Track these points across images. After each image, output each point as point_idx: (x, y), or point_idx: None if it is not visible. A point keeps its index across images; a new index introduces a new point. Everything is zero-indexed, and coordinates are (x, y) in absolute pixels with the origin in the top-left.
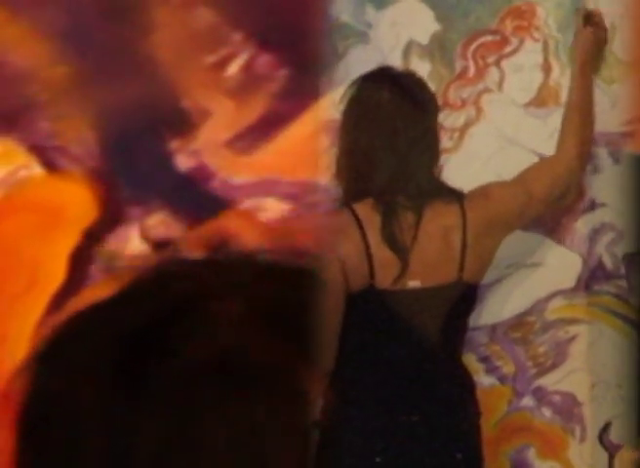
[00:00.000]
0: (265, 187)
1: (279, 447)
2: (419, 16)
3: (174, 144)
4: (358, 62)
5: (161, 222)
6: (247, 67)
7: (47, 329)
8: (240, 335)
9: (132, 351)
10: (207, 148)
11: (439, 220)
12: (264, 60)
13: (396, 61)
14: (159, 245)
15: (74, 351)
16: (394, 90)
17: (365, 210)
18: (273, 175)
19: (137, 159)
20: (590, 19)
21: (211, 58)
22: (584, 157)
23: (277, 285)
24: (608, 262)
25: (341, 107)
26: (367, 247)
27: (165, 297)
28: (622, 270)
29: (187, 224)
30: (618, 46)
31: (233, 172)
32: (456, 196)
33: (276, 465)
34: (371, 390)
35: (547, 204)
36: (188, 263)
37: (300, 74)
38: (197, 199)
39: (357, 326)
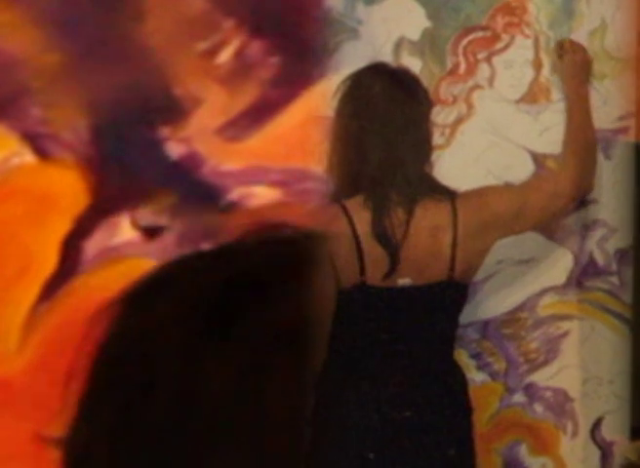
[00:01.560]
0: (256, 175)
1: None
2: (409, 12)
3: (165, 131)
4: (349, 58)
5: (151, 211)
6: (238, 55)
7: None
8: (300, 311)
9: (219, 303)
10: (198, 135)
11: (430, 218)
12: (256, 48)
13: (387, 58)
14: (149, 232)
15: (162, 296)
16: (387, 85)
17: (356, 206)
18: (264, 162)
19: (128, 146)
20: (563, 48)
21: (202, 46)
22: (590, 173)
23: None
24: (599, 258)
25: (334, 102)
26: (358, 243)
27: (262, 258)
28: (614, 266)
29: (178, 211)
30: (609, 42)
31: (224, 159)
32: (448, 195)
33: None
34: (362, 387)
35: (543, 216)
36: (258, 241)
37: (291, 62)
38: (188, 186)
39: (348, 322)
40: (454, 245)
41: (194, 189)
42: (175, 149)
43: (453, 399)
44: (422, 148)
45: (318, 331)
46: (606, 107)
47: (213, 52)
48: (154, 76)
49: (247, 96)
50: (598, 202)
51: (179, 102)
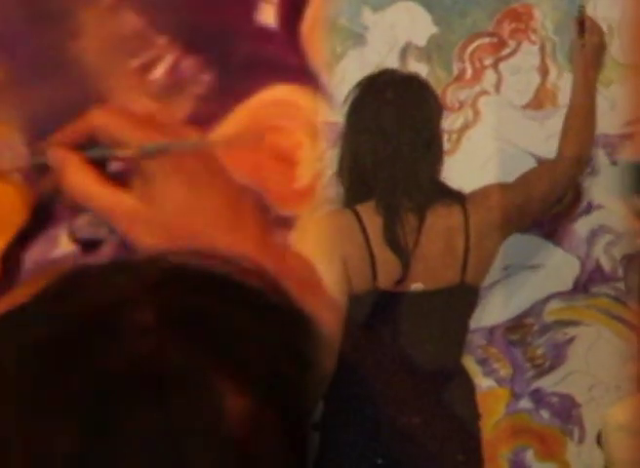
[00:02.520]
0: None
1: (199, 452)
2: (416, 18)
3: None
4: (355, 65)
5: (89, 223)
6: (172, 71)
7: None
8: (154, 344)
9: (43, 362)
10: None
11: (442, 223)
12: (189, 64)
13: (393, 64)
14: (87, 245)
15: None
16: (398, 91)
17: (368, 211)
18: None
19: None
20: (584, 27)
21: (136, 62)
22: (584, 161)
23: (186, 288)
24: (606, 264)
25: (345, 108)
26: (369, 248)
27: (76, 307)
28: (620, 272)
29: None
30: (616, 49)
31: None
32: (458, 198)
33: (199, 465)
34: (372, 392)
35: (545, 207)
36: (99, 269)
37: (223, 77)
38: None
39: (360, 327)
40: (466, 248)
41: None
42: (114, 164)
43: (461, 405)
44: (434, 154)
45: (328, 337)
46: (612, 113)
47: (146, 68)
48: (89, 91)
49: (180, 111)
50: (604, 208)
51: None
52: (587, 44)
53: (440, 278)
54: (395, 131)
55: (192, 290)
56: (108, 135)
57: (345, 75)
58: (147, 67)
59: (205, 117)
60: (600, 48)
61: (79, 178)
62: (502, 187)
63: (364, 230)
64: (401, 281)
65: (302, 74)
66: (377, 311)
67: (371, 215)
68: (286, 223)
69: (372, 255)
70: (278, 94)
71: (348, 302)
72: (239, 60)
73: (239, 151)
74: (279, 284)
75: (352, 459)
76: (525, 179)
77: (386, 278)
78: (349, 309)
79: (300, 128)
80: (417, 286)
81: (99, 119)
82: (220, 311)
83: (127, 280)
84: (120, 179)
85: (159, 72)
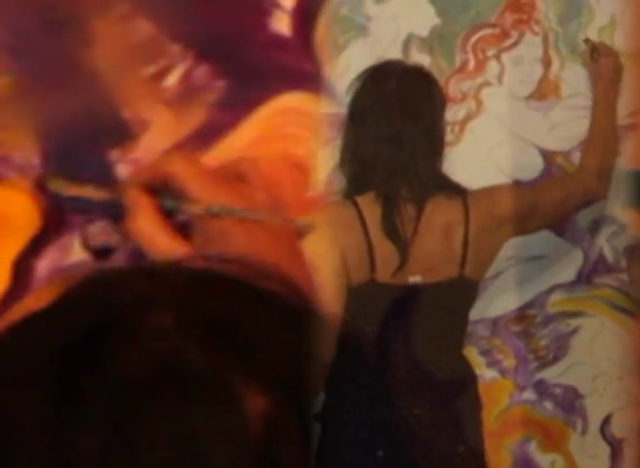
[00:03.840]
0: None
1: (217, 453)
2: (418, 9)
3: (114, 154)
4: (358, 56)
5: (102, 231)
6: (185, 78)
7: None
8: (173, 346)
9: (66, 364)
10: (146, 158)
11: (441, 215)
12: (202, 71)
13: (396, 55)
14: (100, 253)
15: (3, 370)
16: (400, 82)
17: (367, 202)
18: None
19: (78, 169)
20: (597, 52)
21: (149, 70)
22: (605, 176)
23: (208, 293)
24: (609, 255)
25: (348, 98)
26: (368, 239)
27: (96, 310)
28: (623, 263)
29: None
30: (619, 39)
31: None
32: (459, 192)
33: (217, 465)
34: (372, 383)
35: (558, 215)
36: (120, 273)
37: (237, 85)
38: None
39: (358, 319)
40: (465, 243)
41: None
42: (124, 171)
43: (462, 396)
44: (435, 145)
45: (326, 327)
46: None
47: (160, 76)
48: (103, 100)
49: (194, 118)
50: (607, 198)
51: (127, 125)
52: (603, 66)
53: (439, 271)
54: (397, 121)
55: (213, 293)
56: (180, 183)
57: (348, 66)
58: (161, 75)
59: (218, 124)
60: (615, 69)
61: (147, 222)
62: (509, 188)
63: (363, 221)
64: (398, 271)
65: (316, 82)
66: (375, 302)
67: (370, 206)
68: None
69: (370, 246)
70: (291, 101)
71: (347, 293)
72: (252, 68)
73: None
74: (298, 287)
75: (353, 451)
76: (537, 187)
77: (385, 270)
78: (348, 300)
79: (313, 136)
80: (415, 278)
81: (174, 166)
82: (240, 314)
83: (149, 283)
84: (183, 230)
85: (172, 80)
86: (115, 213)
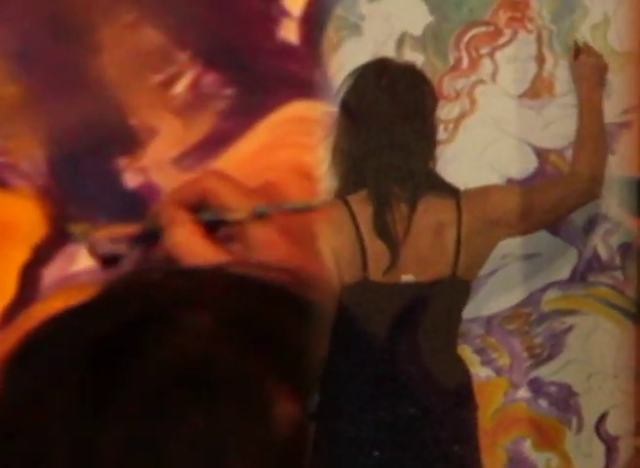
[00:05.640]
0: None
1: (242, 455)
2: (412, 7)
3: (121, 162)
4: (351, 54)
5: (108, 239)
6: (193, 86)
7: (16, 337)
8: (208, 346)
9: (100, 359)
10: (154, 166)
11: (433, 214)
12: (210, 80)
13: (389, 53)
14: (107, 261)
15: (43, 358)
16: (393, 79)
17: (359, 201)
18: None
19: (85, 176)
20: (579, 52)
21: (157, 78)
22: (598, 179)
23: (246, 298)
24: (603, 253)
25: (340, 96)
26: (360, 238)
27: (135, 306)
28: (618, 261)
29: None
30: (612, 37)
31: None
32: (452, 192)
33: (240, 466)
34: (367, 383)
35: (552, 218)
36: (161, 272)
37: (244, 93)
38: (144, 215)
39: (351, 318)
40: (457, 242)
41: None
42: (131, 179)
43: (457, 395)
44: (427, 143)
45: (319, 325)
46: (609, 101)
47: (168, 84)
48: (111, 108)
49: (202, 126)
50: (602, 196)
51: (135, 133)
52: (585, 65)
53: (431, 270)
54: (389, 119)
55: (251, 298)
56: (217, 198)
57: (341, 65)
58: (169, 83)
59: (226, 132)
60: (598, 68)
61: (186, 236)
62: (503, 189)
63: (354, 220)
64: (389, 270)
65: (324, 90)
66: (367, 301)
67: (362, 205)
68: None
69: (362, 245)
70: (299, 109)
71: (339, 292)
72: (260, 76)
73: (258, 168)
74: (328, 295)
75: (349, 451)
76: (530, 188)
77: (377, 268)
78: (340, 299)
79: (320, 144)
80: (407, 277)
81: (210, 183)
82: (277, 321)
83: (189, 284)
84: (223, 244)
85: (180, 88)
86: (150, 241)
